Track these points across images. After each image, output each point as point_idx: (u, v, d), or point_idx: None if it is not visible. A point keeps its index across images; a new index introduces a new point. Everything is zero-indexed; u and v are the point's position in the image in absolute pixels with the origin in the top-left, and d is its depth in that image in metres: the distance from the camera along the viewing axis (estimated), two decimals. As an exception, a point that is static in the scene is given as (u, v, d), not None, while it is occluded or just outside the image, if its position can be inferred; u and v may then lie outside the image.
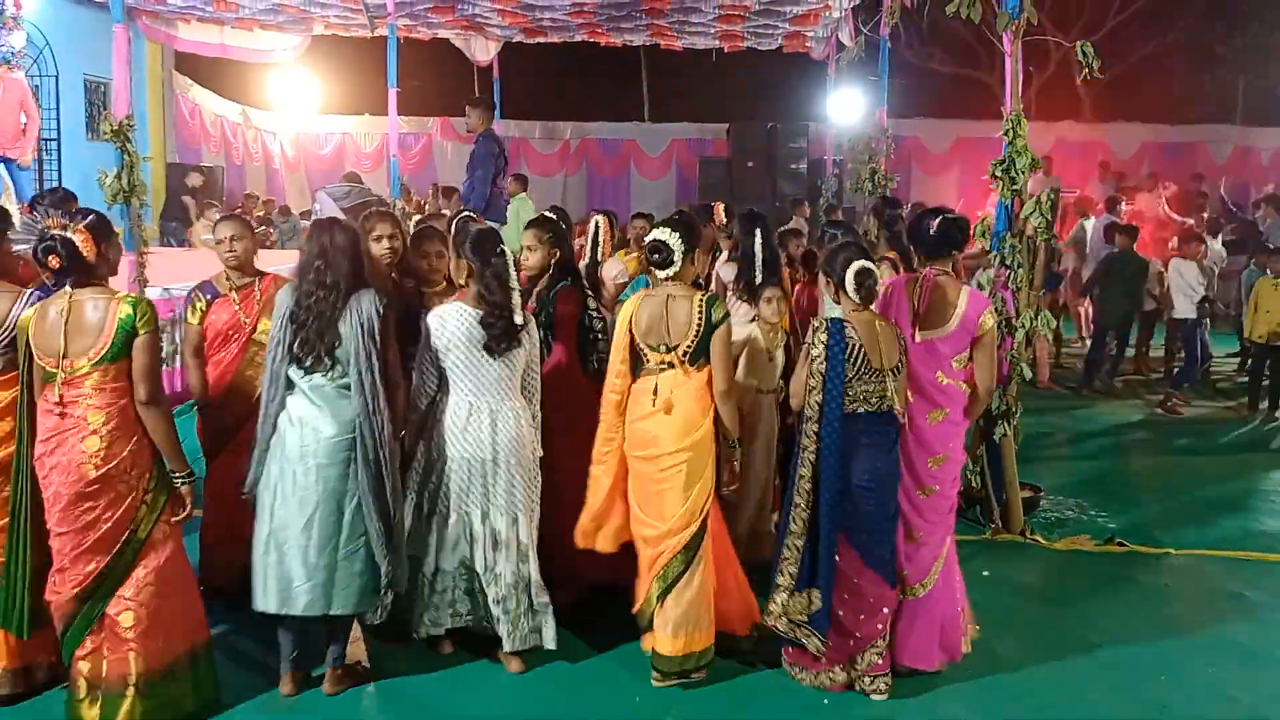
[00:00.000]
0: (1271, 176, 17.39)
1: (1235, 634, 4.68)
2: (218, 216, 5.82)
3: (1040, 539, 5.73)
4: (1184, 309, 9.55)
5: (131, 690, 3.60)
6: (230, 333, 4.57)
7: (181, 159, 14.33)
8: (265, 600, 3.81)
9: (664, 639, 4.02)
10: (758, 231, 5.32)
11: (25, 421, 3.68)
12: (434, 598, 4.11)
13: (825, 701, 3.98)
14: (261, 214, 13.88)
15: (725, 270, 5.56)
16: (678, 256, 4.04)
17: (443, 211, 8.30)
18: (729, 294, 5.40)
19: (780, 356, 5.05)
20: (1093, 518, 6.20)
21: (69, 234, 3.51)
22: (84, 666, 3.63)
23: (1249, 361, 9.90)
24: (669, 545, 4.02)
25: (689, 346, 3.98)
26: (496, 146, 7.92)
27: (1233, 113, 19.97)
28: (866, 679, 4.00)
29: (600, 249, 5.67)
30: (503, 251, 4.03)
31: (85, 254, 3.52)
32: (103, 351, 3.54)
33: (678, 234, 4.04)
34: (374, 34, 12.03)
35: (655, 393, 4.02)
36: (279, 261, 6.69)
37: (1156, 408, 9.21)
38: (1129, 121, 18.91)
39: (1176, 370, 9.82)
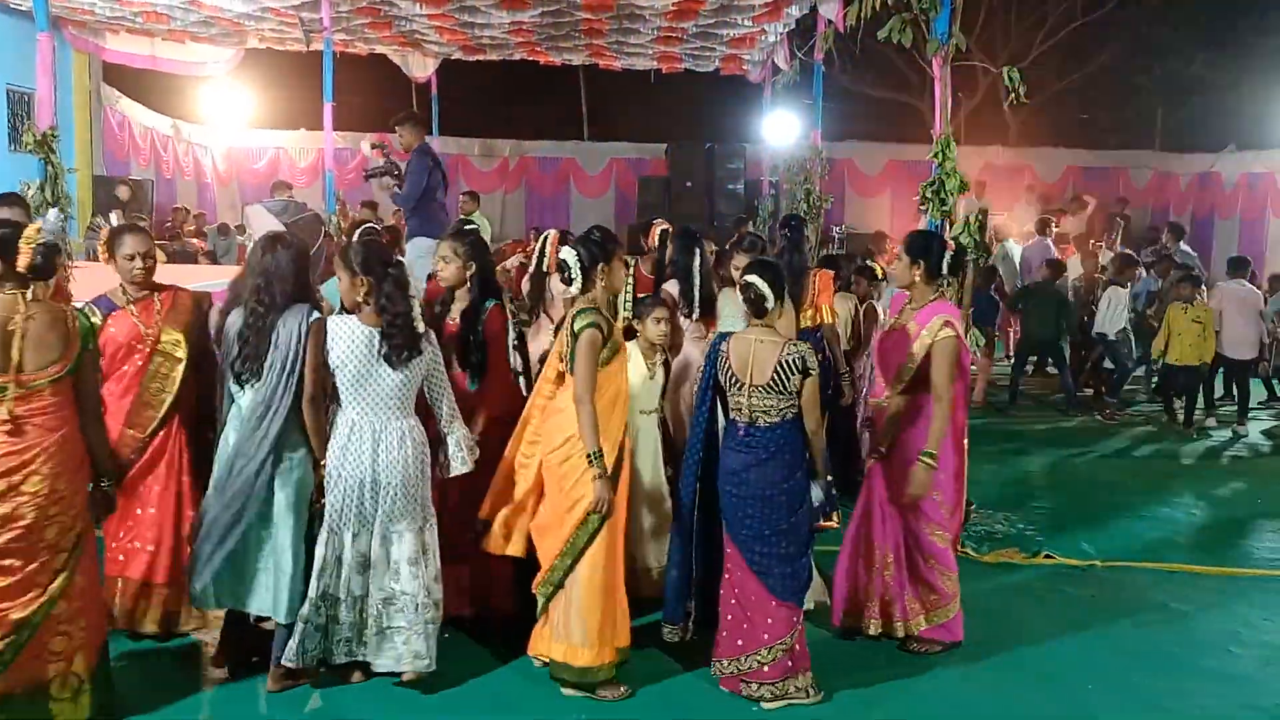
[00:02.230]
0: (1189, 200, 17.98)
1: (1161, 643, 4.82)
2: (109, 226, 5.67)
3: (970, 552, 5.83)
4: (1108, 327, 9.91)
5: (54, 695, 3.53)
6: (134, 343, 4.36)
7: (110, 172, 13.95)
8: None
9: (556, 647, 4.10)
10: (696, 251, 5.43)
11: None
12: (310, 625, 3.92)
13: (755, 709, 4.03)
14: (191, 228, 13.62)
15: (672, 285, 5.63)
16: (575, 273, 4.15)
17: (369, 222, 8.03)
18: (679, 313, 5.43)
19: (660, 376, 5.05)
20: (1021, 531, 6.35)
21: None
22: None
23: (1160, 381, 10.25)
24: (552, 542, 4.10)
25: (569, 356, 4.13)
26: (430, 161, 7.82)
27: (1152, 139, 20.61)
28: (751, 683, 4.05)
29: (546, 263, 5.62)
30: (399, 261, 4.06)
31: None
32: (68, 366, 3.50)
33: (576, 252, 4.17)
34: (309, 48, 11.90)
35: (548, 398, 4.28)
36: (216, 276, 6.53)
37: (1097, 414, 9.80)
38: (1054, 147, 19.42)
39: (1110, 383, 10.26)
